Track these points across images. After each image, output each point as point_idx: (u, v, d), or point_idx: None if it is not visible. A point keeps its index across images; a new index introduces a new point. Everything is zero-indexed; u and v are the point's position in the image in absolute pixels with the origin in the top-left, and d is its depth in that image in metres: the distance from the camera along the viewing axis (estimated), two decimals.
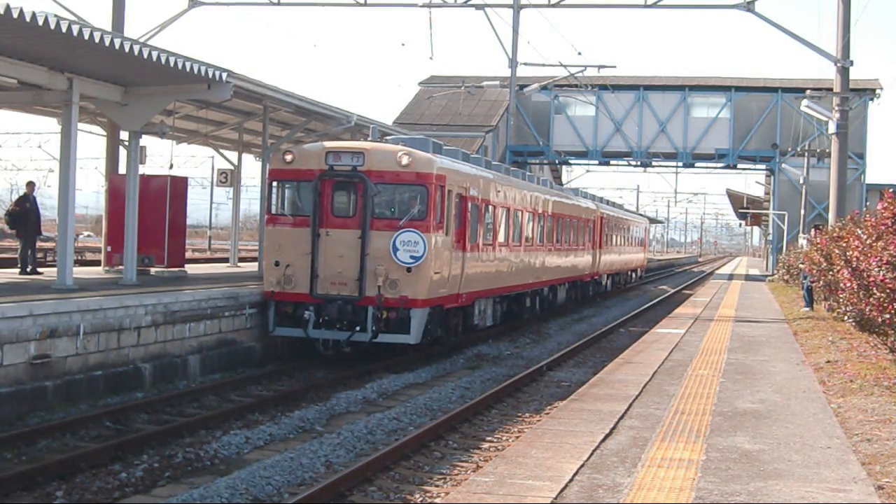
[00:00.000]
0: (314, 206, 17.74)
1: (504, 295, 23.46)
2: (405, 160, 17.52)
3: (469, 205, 19.68)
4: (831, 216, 28.16)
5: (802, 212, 47.52)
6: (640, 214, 69.24)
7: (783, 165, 50.96)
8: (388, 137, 20.13)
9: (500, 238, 22.60)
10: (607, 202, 43.65)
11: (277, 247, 18.10)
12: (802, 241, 27.57)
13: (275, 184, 18.59)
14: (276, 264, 17.94)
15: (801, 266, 26.96)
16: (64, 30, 13.06)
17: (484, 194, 21.00)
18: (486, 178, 21.62)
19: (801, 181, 47.67)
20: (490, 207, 21.59)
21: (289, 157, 18.22)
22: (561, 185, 48.61)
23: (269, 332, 18.05)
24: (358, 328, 17.38)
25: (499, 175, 23.38)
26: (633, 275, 50.50)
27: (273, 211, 18.51)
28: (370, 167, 17.64)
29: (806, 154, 47.08)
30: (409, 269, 17.28)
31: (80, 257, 32.02)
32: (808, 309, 25.53)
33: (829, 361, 14.99)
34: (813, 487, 7.44)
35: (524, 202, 25.09)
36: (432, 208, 17.66)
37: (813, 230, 26.50)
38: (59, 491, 9.63)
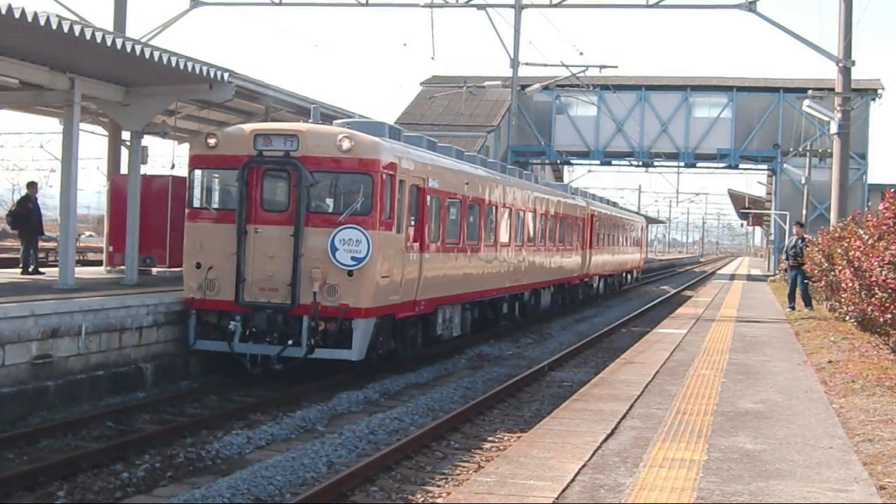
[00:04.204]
0: (240, 199, 15.32)
1: (475, 301, 20.99)
2: (346, 144, 15.14)
3: (428, 198, 17.39)
4: (833, 216, 28.14)
5: (804, 212, 47.47)
6: (637, 213, 68.67)
7: (785, 165, 50.90)
8: (337, 121, 17.62)
9: (469, 236, 20.08)
10: (600, 199, 42.42)
11: (199, 246, 15.77)
12: (789, 240, 27.12)
13: (196, 172, 16.19)
14: (198, 266, 15.61)
15: (783, 264, 26.52)
16: (66, 30, 13.08)
17: (449, 187, 18.64)
18: (452, 168, 19.26)
19: (803, 181, 47.62)
20: (456, 202, 19.17)
21: (212, 141, 15.82)
22: (563, 184, 48.55)
23: (190, 346, 15.76)
24: (290, 342, 15.02)
25: (469, 166, 20.86)
26: (629, 276, 49.07)
27: (194, 204, 16.14)
28: (305, 152, 15.23)
29: (808, 154, 47.04)
30: (350, 273, 14.94)
31: (81, 257, 32.04)
32: (791, 310, 25.15)
33: (830, 361, 14.97)
34: (815, 487, 7.44)
35: (501, 197, 22.49)
36: (379, 201, 15.24)
37: (795, 227, 26.13)
38: (60, 491, 9.63)
